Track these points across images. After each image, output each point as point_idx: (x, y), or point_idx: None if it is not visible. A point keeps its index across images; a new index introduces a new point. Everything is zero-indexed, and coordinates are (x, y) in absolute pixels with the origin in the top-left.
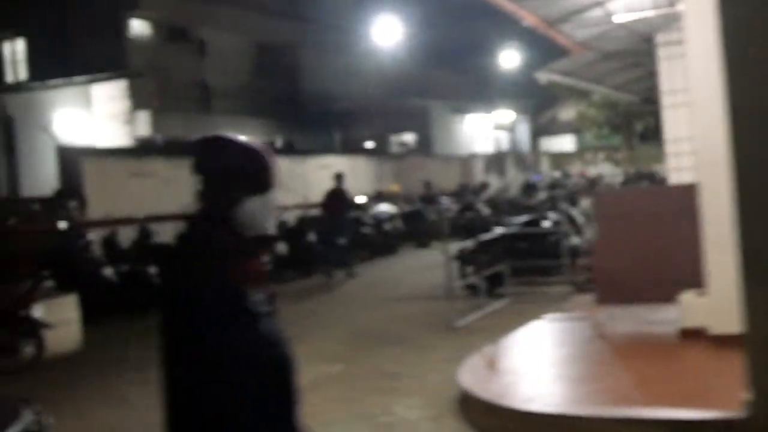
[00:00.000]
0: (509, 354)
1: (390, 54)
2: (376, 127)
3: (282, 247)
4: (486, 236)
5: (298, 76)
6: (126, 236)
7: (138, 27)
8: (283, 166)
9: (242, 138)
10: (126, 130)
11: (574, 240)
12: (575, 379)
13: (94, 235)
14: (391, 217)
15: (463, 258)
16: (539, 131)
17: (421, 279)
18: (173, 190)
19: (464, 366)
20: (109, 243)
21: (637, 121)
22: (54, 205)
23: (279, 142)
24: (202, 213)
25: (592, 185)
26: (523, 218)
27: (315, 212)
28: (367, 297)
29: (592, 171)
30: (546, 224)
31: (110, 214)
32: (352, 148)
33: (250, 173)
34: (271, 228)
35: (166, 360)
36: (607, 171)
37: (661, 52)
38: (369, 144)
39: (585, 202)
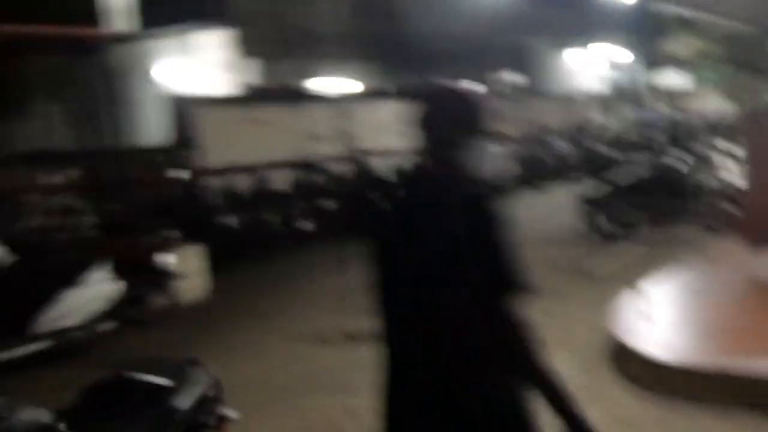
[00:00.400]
0: (659, 303)
1: None
2: (481, 66)
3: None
4: (617, 178)
5: (401, 16)
6: (244, 184)
7: None
8: (396, 111)
9: (455, 83)
10: (234, 78)
11: (711, 180)
12: (736, 331)
13: (213, 184)
14: (503, 159)
15: (593, 201)
16: (650, 66)
17: (546, 223)
18: (287, 138)
19: (612, 316)
20: (228, 191)
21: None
22: (172, 154)
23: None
24: (431, 163)
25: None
26: (651, 158)
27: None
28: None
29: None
30: (678, 164)
31: (227, 162)
32: None
33: (472, 118)
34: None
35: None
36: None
37: None
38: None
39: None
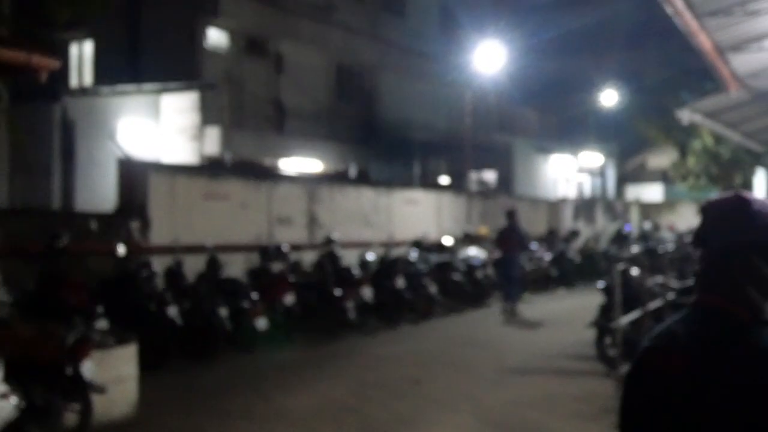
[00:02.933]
0: None
1: (473, 86)
2: (454, 162)
3: (367, 293)
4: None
5: (376, 101)
6: (192, 267)
7: (214, 36)
8: (366, 198)
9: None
10: (193, 147)
11: None
12: None
13: (157, 265)
14: (483, 264)
15: (603, 325)
16: (625, 178)
17: (537, 340)
18: (247, 217)
19: None
20: (174, 275)
21: (736, 173)
22: (113, 224)
23: (353, 171)
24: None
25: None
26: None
27: (401, 251)
28: (484, 363)
29: (681, 225)
30: None
31: (177, 240)
32: (427, 182)
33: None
34: None
35: None
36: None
37: None
38: (445, 179)
39: None
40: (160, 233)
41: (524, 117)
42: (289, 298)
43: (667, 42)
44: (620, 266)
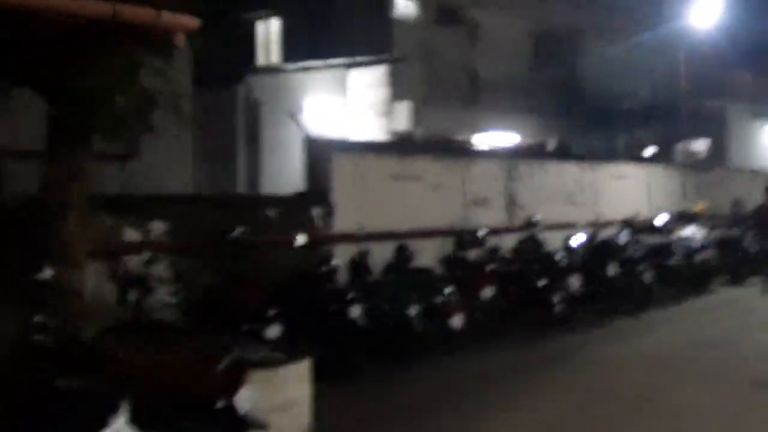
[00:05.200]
0: None
1: (683, 47)
2: (662, 132)
3: (574, 282)
4: None
5: (576, 68)
6: (379, 256)
7: (404, 6)
8: (569, 174)
9: None
10: (382, 123)
11: None
12: None
13: (340, 256)
14: (702, 245)
15: None
16: None
17: None
18: (440, 199)
19: None
20: (358, 267)
21: None
22: (293, 211)
23: (552, 144)
24: None
25: None
26: None
27: (609, 233)
28: (728, 370)
29: None
30: None
31: (363, 227)
32: (632, 155)
33: None
34: None
35: None
36: None
37: None
38: (649, 150)
39: None
40: (344, 220)
41: (739, 80)
42: (489, 291)
43: None
44: None
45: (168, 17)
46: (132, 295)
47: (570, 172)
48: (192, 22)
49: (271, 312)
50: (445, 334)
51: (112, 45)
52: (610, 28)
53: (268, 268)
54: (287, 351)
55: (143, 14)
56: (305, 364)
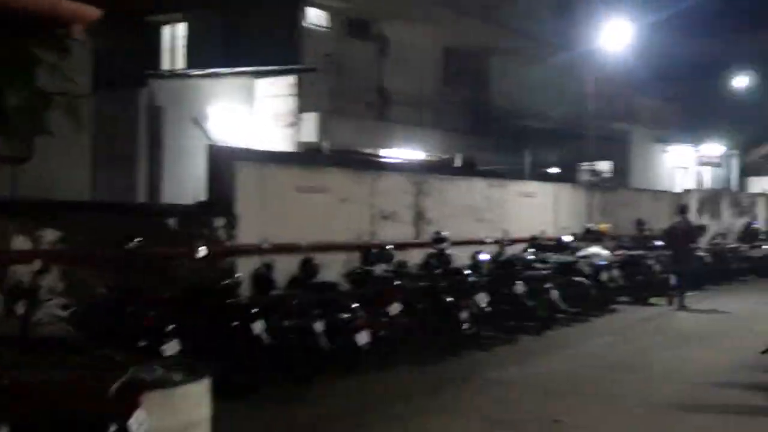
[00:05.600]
0: None
1: (590, 71)
2: (567, 151)
3: (482, 299)
4: None
5: (486, 87)
6: (283, 270)
7: (315, 17)
8: (478, 191)
9: None
10: (289, 134)
11: None
12: None
13: (244, 269)
14: (607, 264)
15: None
16: (749, 170)
17: (691, 361)
18: (347, 212)
19: None
20: (262, 281)
21: None
22: (194, 221)
23: (458, 161)
24: None
25: None
26: None
27: (516, 250)
28: (631, 392)
29: None
30: None
31: (267, 240)
32: (538, 173)
33: None
34: None
35: None
36: None
37: None
38: (554, 170)
39: None
40: (248, 231)
41: (643, 104)
42: (395, 307)
43: None
44: None
45: (67, 5)
46: (19, 308)
47: (478, 188)
48: (92, 11)
49: (170, 327)
50: (351, 351)
51: (3, 36)
52: (522, 48)
53: (166, 280)
54: (186, 369)
55: (39, 1)
56: (205, 383)
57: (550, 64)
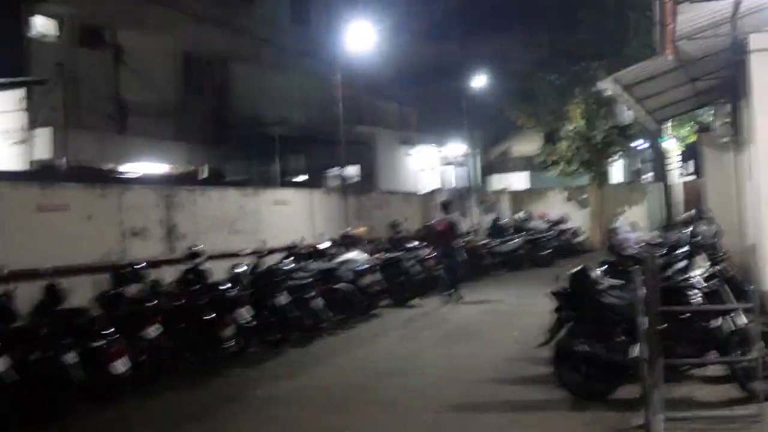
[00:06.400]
0: None
1: (331, 77)
2: (314, 158)
3: (245, 314)
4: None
5: (228, 95)
6: (26, 299)
7: (42, 26)
8: (231, 201)
9: None
10: (20, 152)
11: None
12: None
13: None
14: (367, 268)
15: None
16: (491, 167)
17: (461, 358)
18: (93, 230)
19: None
20: (2, 312)
21: (606, 157)
22: None
23: (204, 172)
24: None
25: None
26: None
27: (274, 260)
28: (411, 397)
29: (552, 212)
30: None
31: (5, 265)
32: (287, 181)
33: None
34: None
35: None
36: (572, 213)
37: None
38: (302, 177)
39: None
40: None
41: (386, 108)
42: (153, 330)
43: (533, 25)
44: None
45: None
46: None
47: (231, 199)
48: None
49: None
50: (109, 381)
51: None
52: (264, 55)
53: None
54: None
55: None
56: None
57: (293, 71)
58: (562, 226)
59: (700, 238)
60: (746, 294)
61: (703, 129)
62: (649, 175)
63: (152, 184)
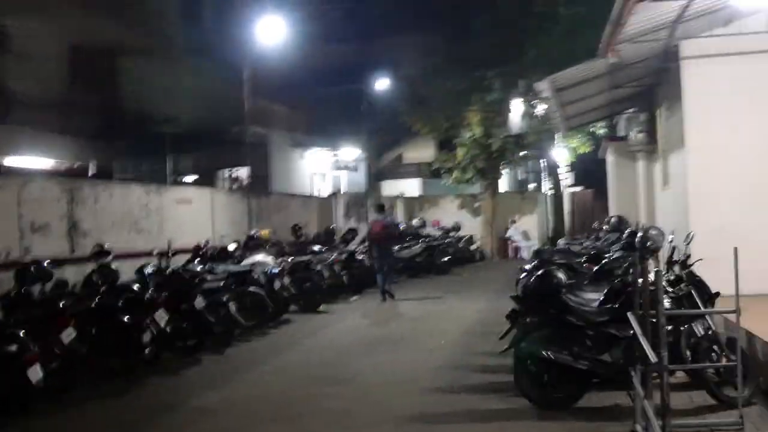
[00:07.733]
0: None
1: (225, 76)
2: (205, 157)
3: (162, 318)
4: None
5: (118, 89)
6: None
7: None
8: (134, 198)
9: None
10: None
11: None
12: None
13: None
14: (278, 272)
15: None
16: (383, 173)
17: (393, 364)
18: None
19: None
20: None
21: (501, 164)
22: None
23: (93, 168)
24: None
25: None
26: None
27: (183, 261)
28: (350, 410)
29: (445, 220)
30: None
31: None
32: (178, 181)
33: None
34: None
35: None
36: (464, 221)
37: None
38: (192, 177)
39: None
40: None
41: (278, 111)
42: (69, 333)
43: (429, 31)
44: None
45: None
46: None
47: (135, 196)
48: None
49: None
50: (23, 391)
51: None
52: (156, 50)
53: None
54: None
55: None
56: None
57: (186, 68)
58: (457, 234)
59: (650, 243)
60: (712, 299)
61: (612, 138)
62: (532, 186)
63: (56, 177)
